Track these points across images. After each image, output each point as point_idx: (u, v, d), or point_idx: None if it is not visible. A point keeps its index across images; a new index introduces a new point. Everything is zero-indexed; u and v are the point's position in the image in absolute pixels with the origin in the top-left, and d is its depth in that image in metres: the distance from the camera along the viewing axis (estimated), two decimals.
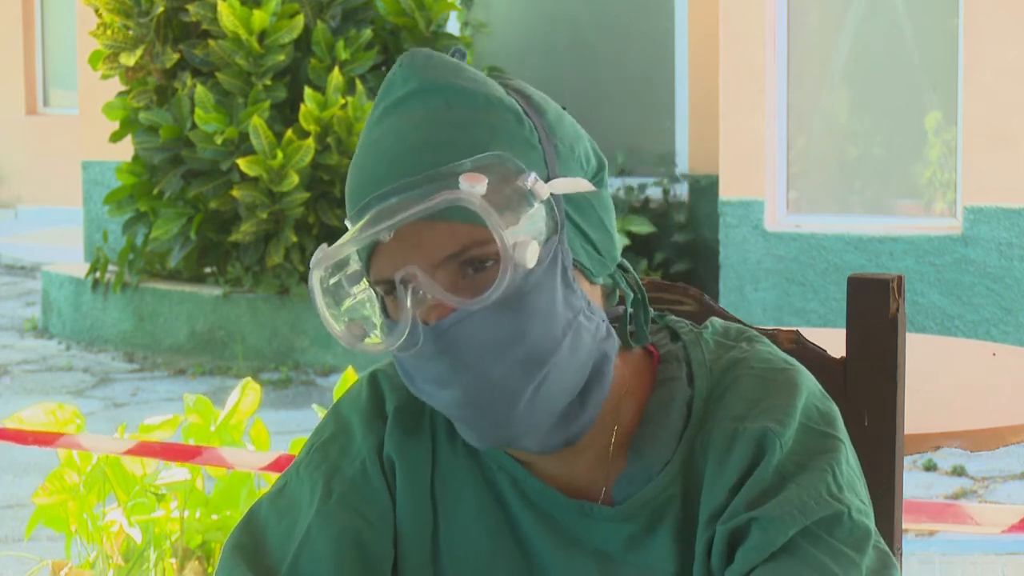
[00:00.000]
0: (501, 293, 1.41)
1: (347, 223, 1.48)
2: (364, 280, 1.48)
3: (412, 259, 1.43)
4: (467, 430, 1.47)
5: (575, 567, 1.52)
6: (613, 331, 1.52)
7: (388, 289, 1.46)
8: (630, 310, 1.55)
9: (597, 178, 1.53)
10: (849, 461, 1.50)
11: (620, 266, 1.55)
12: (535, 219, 1.44)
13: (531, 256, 1.42)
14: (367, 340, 1.47)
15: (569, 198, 1.48)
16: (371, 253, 1.46)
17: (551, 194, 1.46)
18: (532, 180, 1.44)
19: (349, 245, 1.44)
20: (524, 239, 1.42)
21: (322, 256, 1.46)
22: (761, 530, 1.44)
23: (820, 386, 1.55)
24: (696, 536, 1.49)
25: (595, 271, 1.50)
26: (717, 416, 1.51)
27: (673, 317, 1.62)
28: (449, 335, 1.42)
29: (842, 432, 1.51)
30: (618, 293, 1.56)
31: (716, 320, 1.62)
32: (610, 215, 1.53)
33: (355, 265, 1.48)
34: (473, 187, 1.40)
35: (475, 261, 1.44)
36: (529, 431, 1.46)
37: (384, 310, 1.48)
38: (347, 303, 1.49)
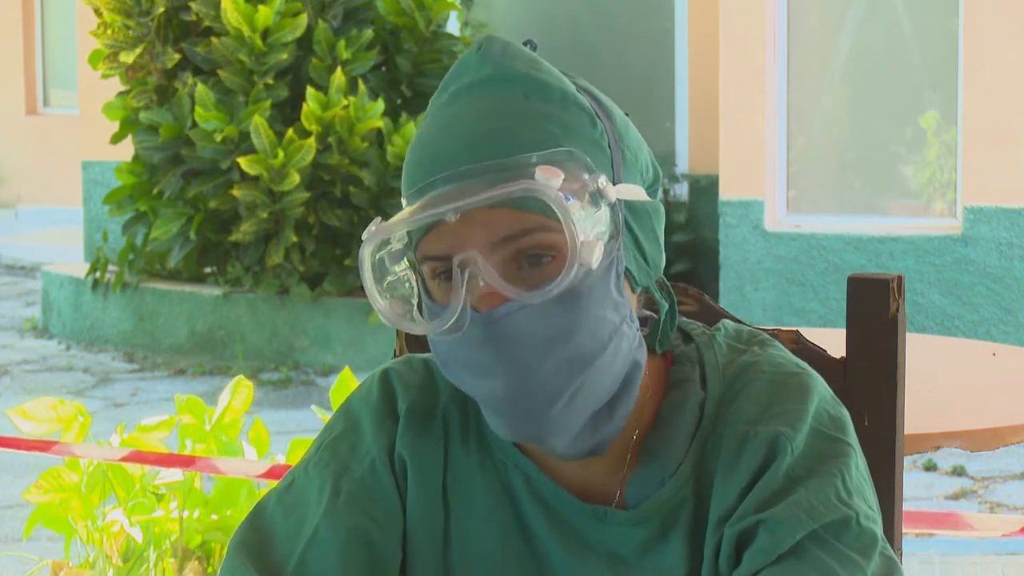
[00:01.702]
0: (561, 290, 1.41)
1: (403, 201, 1.47)
2: (404, 260, 1.48)
3: (472, 243, 1.42)
4: (499, 422, 1.46)
5: (587, 570, 1.51)
6: (644, 341, 1.52)
7: (437, 269, 1.45)
8: (661, 319, 1.55)
9: (652, 189, 1.54)
10: (859, 467, 1.50)
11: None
12: (600, 221, 1.44)
13: (596, 257, 1.41)
14: (409, 320, 1.47)
15: (628, 205, 1.48)
16: (425, 232, 1.45)
17: (612, 204, 1.45)
18: (603, 181, 1.44)
19: (409, 223, 1.43)
20: (591, 239, 1.42)
21: (376, 231, 1.45)
22: (768, 532, 1.44)
23: (831, 391, 1.55)
24: (705, 538, 1.49)
25: (640, 280, 1.51)
26: (729, 419, 1.51)
27: (685, 319, 1.62)
28: (500, 325, 1.42)
29: (853, 438, 1.51)
30: (644, 298, 1.56)
31: (728, 323, 1.62)
32: (662, 226, 1.53)
33: (398, 244, 1.47)
34: (549, 180, 1.40)
35: (532, 251, 1.43)
36: (561, 432, 1.45)
37: (426, 291, 1.47)
38: (386, 280, 1.48)
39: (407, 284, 1.48)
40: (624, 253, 1.48)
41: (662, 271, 1.55)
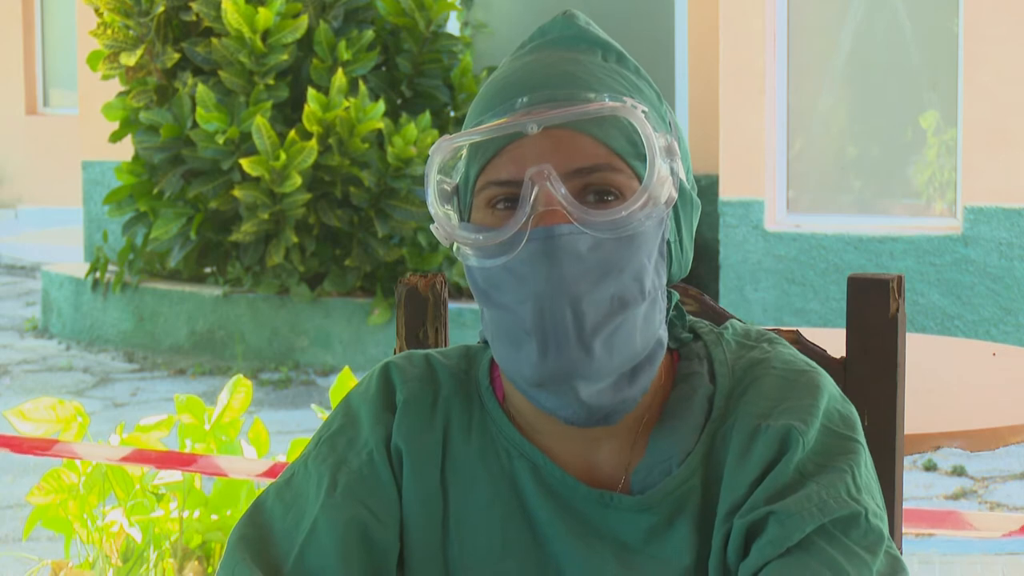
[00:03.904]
0: (627, 214, 1.43)
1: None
2: (453, 200, 1.49)
3: (548, 161, 1.44)
4: (533, 354, 1.45)
5: (592, 556, 1.51)
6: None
7: (498, 195, 1.46)
8: (672, 312, 1.57)
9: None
10: (867, 465, 1.51)
11: None
12: (666, 171, 1.47)
13: (664, 194, 1.46)
14: (463, 231, 1.48)
15: (680, 186, 1.51)
16: (494, 154, 1.46)
17: (674, 164, 1.49)
18: (671, 139, 1.48)
19: (489, 131, 1.45)
20: (663, 175, 1.46)
21: (446, 139, 1.48)
22: (778, 524, 1.45)
23: (840, 389, 1.56)
24: (714, 529, 1.50)
25: (675, 263, 1.53)
26: (739, 412, 1.51)
27: (692, 318, 1.63)
28: (559, 242, 1.43)
29: (861, 436, 1.52)
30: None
31: (736, 322, 1.63)
32: (696, 223, 1.57)
33: (447, 184, 1.50)
34: (637, 108, 1.44)
35: (599, 187, 1.45)
36: (590, 374, 1.45)
37: (470, 224, 1.48)
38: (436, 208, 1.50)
39: (449, 220, 1.50)
40: (670, 224, 1.51)
41: (689, 269, 1.57)
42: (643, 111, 1.45)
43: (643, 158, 1.46)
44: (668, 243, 1.51)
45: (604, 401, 1.47)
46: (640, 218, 1.45)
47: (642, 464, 1.52)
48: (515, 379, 1.50)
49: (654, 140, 1.44)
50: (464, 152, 1.48)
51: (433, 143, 1.50)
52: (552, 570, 1.53)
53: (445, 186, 1.49)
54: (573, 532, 1.52)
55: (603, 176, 1.45)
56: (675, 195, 1.48)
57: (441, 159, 1.48)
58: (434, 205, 1.49)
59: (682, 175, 1.51)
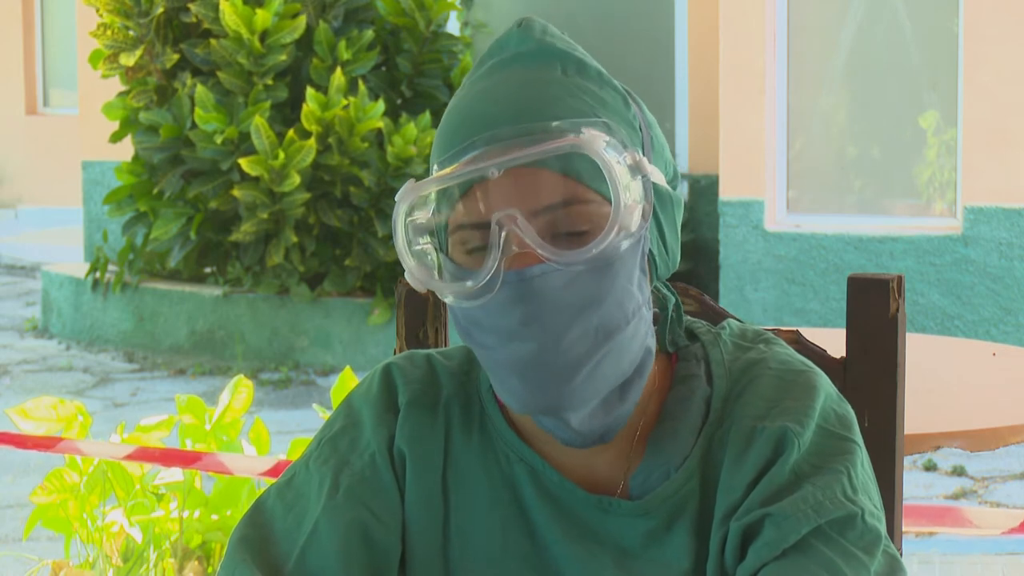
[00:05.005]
0: (600, 251, 1.41)
1: (434, 168, 1.47)
2: (427, 235, 1.48)
3: (513, 203, 1.42)
4: (519, 390, 1.45)
5: (590, 561, 1.51)
6: (655, 332, 1.53)
7: (470, 240, 1.45)
8: (672, 314, 1.56)
9: (672, 184, 1.55)
10: (864, 465, 1.50)
11: None
12: (635, 191, 1.45)
13: (635, 222, 1.44)
14: (437, 281, 1.47)
15: (655, 190, 1.50)
16: (461, 196, 1.45)
17: (645, 178, 1.47)
18: (638, 155, 1.45)
19: (449, 179, 1.43)
20: (631, 203, 1.43)
21: (411, 188, 1.46)
22: (774, 526, 1.44)
23: (836, 389, 1.55)
24: (711, 532, 1.49)
25: (659, 268, 1.52)
26: (736, 414, 1.51)
27: (689, 318, 1.63)
28: (533, 284, 1.42)
29: (858, 436, 1.51)
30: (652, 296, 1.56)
31: (733, 322, 1.63)
32: (681, 219, 1.55)
33: (422, 217, 1.48)
34: (595, 140, 1.42)
35: (570, 222, 1.43)
36: (577, 405, 1.45)
37: (451, 262, 1.47)
38: (413, 248, 1.48)
39: (429, 257, 1.48)
40: (648, 236, 1.49)
41: (678, 265, 1.56)
42: (605, 139, 1.43)
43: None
44: (650, 251, 1.50)
45: (596, 424, 1.47)
46: (614, 246, 1.43)
47: (640, 469, 1.52)
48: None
49: (615, 172, 1.41)
50: (434, 193, 1.47)
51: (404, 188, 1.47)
52: (551, 574, 1.52)
53: (422, 221, 1.47)
54: (572, 537, 1.52)
55: (571, 210, 1.43)
56: (649, 210, 1.46)
57: (408, 205, 1.46)
58: (404, 254, 1.47)
59: (656, 177, 1.49)
